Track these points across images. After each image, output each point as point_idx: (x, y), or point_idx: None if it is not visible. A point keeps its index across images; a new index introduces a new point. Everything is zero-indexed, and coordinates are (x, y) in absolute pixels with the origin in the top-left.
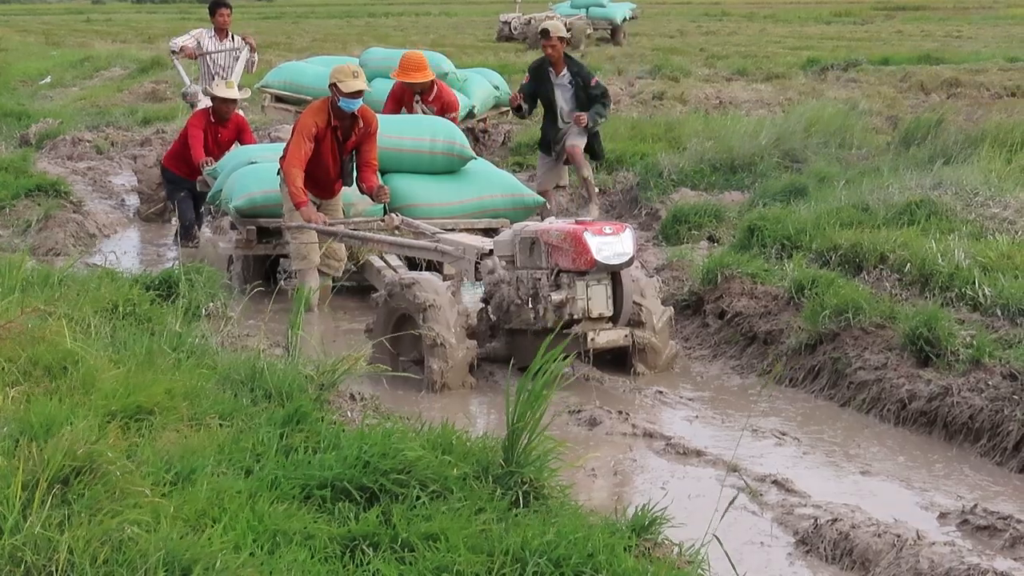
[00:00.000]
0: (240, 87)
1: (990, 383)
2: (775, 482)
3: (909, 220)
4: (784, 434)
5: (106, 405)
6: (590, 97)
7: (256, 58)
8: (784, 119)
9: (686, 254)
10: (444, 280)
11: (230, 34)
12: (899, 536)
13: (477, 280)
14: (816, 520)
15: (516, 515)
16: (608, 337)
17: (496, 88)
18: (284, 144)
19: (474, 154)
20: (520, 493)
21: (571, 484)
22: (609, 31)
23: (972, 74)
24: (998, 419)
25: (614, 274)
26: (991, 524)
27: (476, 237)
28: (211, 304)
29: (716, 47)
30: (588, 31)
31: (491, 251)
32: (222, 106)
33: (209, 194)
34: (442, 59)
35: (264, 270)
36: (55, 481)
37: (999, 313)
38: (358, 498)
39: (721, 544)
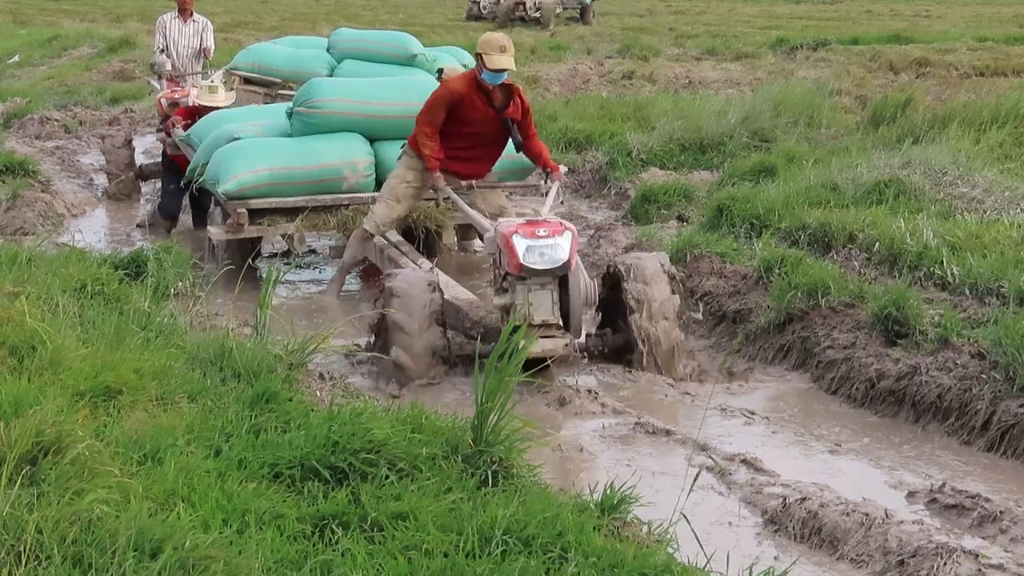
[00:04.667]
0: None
1: (958, 362)
2: (744, 461)
3: (878, 199)
4: (753, 413)
5: (74, 385)
6: None
7: (212, 46)
8: (753, 99)
9: (655, 233)
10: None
11: (193, 13)
12: (868, 515)
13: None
14: (785, 499)
15: (485, 494)
16: (545, 347)
17: (465, 67)
18: (256, 109)
19: None
20: (489, 472)
21: (540, 463)
22: (578, 11)
23: (941, 54)
24: (966, 398)
25: (561, 278)
26: (959, 503)
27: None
28: (180, 283)
29: (685, 26)
30: (558, 11)
31: None
32: (207, 112)
33: (188, 168)
34: (411, 39)
35: (249, 256)
36: (23, 461)
37: (967, 292)
38: (327, 477)
39: (689, 523)
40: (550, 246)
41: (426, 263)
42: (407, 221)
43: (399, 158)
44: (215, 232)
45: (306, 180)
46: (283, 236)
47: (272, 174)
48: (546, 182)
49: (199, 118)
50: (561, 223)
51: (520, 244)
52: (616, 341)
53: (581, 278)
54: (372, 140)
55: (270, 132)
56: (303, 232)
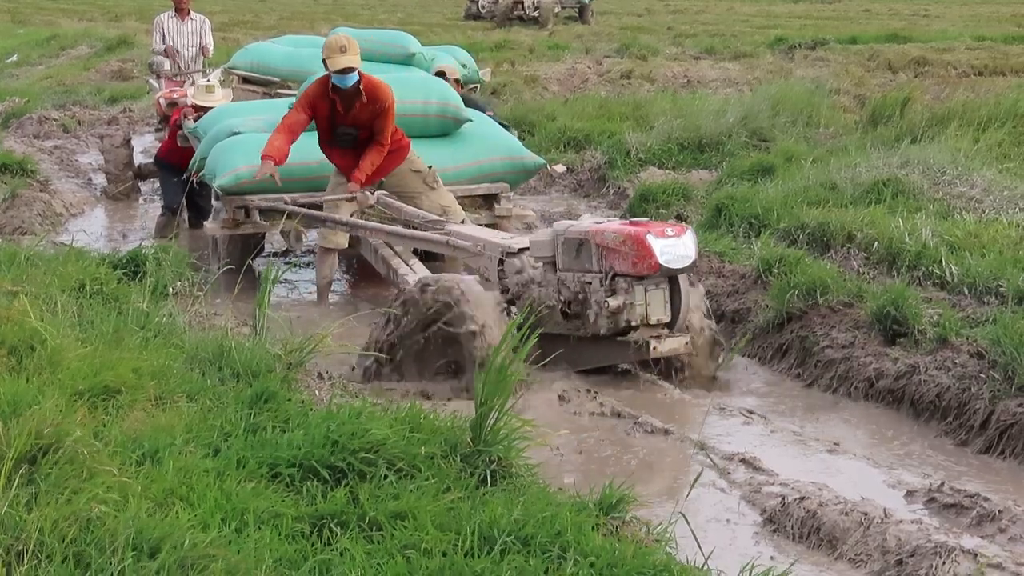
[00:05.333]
0: (221, 83)
1: (957, 361)
2: (742, 460)
3: (876, 199)
4: (751, 412)
5: (73, 384)
6: None
7: (211, 44)
8: (752, 98)
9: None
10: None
11: (190, 12)
12: (866, 514)
13: (499, 279)
14: (783, 498)
15: (484, 494)
16: (671, 345)
17: (464, 66)
18: (260, 103)
19: (470, 115)
20: (488, 472)
21: (539, 463)
22: (577, 10)
23: (939, 53)
24: (965, 397)
25: (672, 278)
26: (958, 502)
27: (495, 232)
28: (178, 283)
29: (684, 26)
30: (556, 10)
31: (520, 250)
32: (201, 113)
33: (192, 161)
34: (409, 38)
35: (251, 254)
36: (22, 461)
37: (966, 291)
38: (326, 477)
39: (688, 522)
40: (680, 244)
41: (419, 265)
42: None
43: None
44: (211, 227)
45: (303, 177)
46: (281, 233)
47: None
48: (374, 193)
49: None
50: (679, 223)
51: (656, 244)
52: None
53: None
54: None
55: (270, 127)
56: (301, 230)
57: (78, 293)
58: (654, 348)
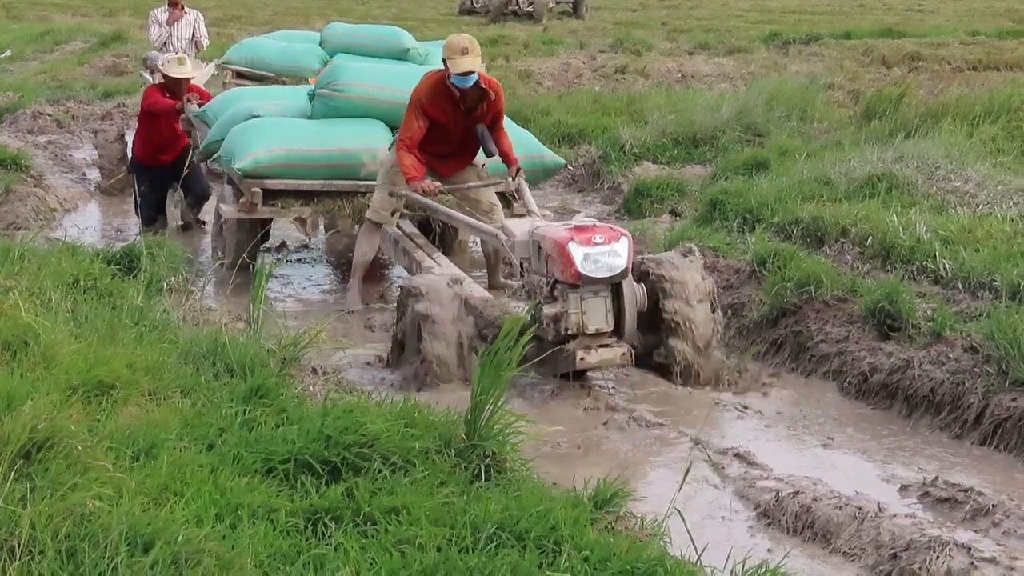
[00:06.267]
0: (203, 61)
1: (951, 356)
2: (737, 455)
3: (870, 194)
4: (746, 407)
5: (67, 380)
6: None
7: (205, 36)
8: (746, 93)
9: (648, 228)
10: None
11: (183, 7)
12: (860, 508)
13: (520, 276)
14: (778, 493)
15: (478, 488)
16: (602, 356)
17: None
18: (276, 89)
19: None
20: (482, 466)
21: (533, 457)
22: (571, 5)
23: (933, 48)
24: (959, 392)
25: (615, 286)
26: (952, 496)
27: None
28: (173, 278)
29: (678, 21)
30: (551, 5)
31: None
32: (175, 85)
33: (202, 144)
34: (404, 34)
35: (256, 238)
36: (16, 456)
37: (960, 286)
38: (320, 472)
39: (682, 517)
40: (607, 253)
41: (442, 257)
42: (425, 214)
43: (389, 148)
44: (227, 210)
45: (324, 163)
46: (294, 220)
47: (289, 154)
48: (514, 179)
49: (168, 94)
50: (615, 228)
51: (577, 252)
52: (649, 341)
53: (633, 284)
54: (393, 128)
55: (290, 113)
56: (317, 217)
57: (72, 288)
58: (580, 359)
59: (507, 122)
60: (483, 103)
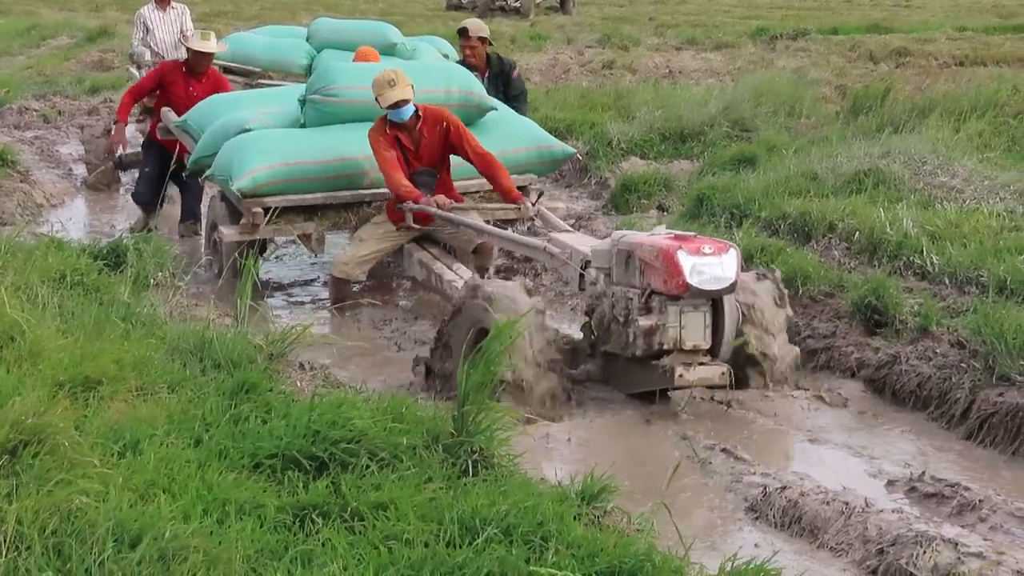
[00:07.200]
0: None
1: (938, 351)
2: (724, 450)
3: (857, 189)
4: (733, 402)
5: (54, 375)
6: (508, 98)
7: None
8: (733, 88)
9: (635, 223)
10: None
11: (170, 2)
12: (847, 503)
13: (581, 290)
14: (765, 488)
15: (465, 484)
16: (701, 375)
17: (446, 57)
18: (266, 92)
19: (494, 103)
20: (470, 462)
21: (521, 453)
22: (558, 0)
23: (920, 43)
24: (946, 387)
25: (715, 300)
26: (939, 491)
27: (586, 239)
28: (160, 274)
29: (665, 16)
30: (538, 0)
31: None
32: (197, 60)
33: (190, 160)
34: (391, 29)
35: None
36: (3, 452)
37: (947, 281)
38: (308, 467)
39: (670, 512)
40: (716, 264)
41: (463, 269)
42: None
43: None
44: (228, 233)
45: (324, 176)
46: (300, 238)
47: (288, 169)
48: (535, 204)
49: (186, 69)
50: (721, 241)
51: (686, 262)
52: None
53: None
54: None
55: (281, 120)
56: (322, 232)
57: (59, 284)
58: (679, 376)
59: (509, 113)
60: (431, 138)
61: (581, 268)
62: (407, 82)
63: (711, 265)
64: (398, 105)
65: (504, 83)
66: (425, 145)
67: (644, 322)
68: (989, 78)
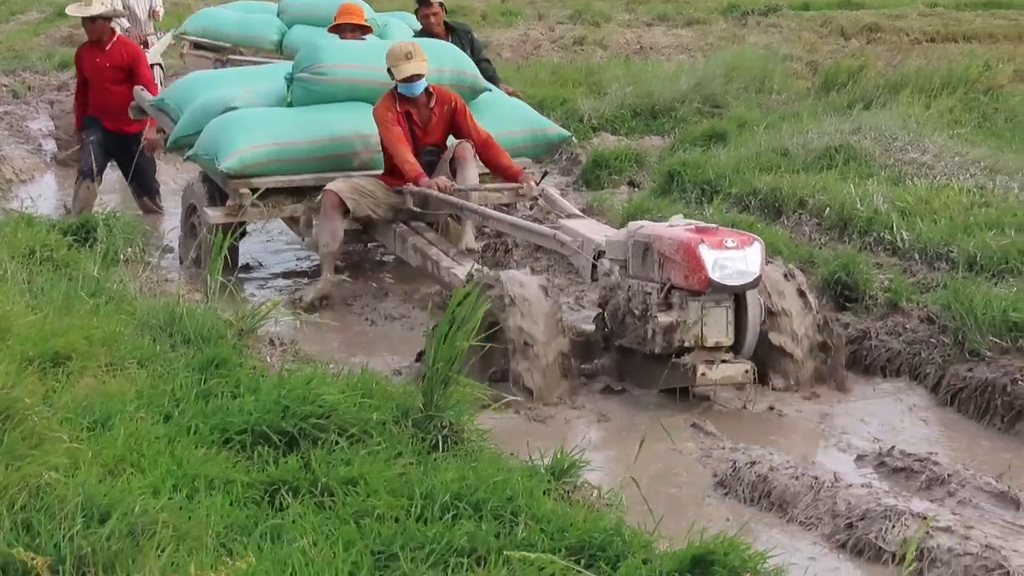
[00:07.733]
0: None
1: (908, 327)
2: (693, 425)
3: (828, 165)
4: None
5: (23, 351)
6: (478, 61)
7: (161, 6)
8: (704, 64)
9: (606, 199)
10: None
11: None
12: (816, 478)
13: (593, 280)
14: (734, 463)
15: (435, 459)
16: (724, 373)
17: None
18: (250, 69)
19: (488, 85)
20: (439, 437)
21: (490, 428)
22: None
23: (892, 19)
24: (915, 362)
25: (738, 296)
26: (908, 466)
27: (598, 227)
28: (129, 249)
29: None
30: None
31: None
32: (87, 28)
33: (171, 137)
34: (362, 4)
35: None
36: None
37: (917, 257)
38: (277, 443)
39: (639, 486)
40: (740, 258)
41: (461, 256)
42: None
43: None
44: (214, 215)
45: (313, 156)
46: (287, 220)
47: (277, 149)
48: (539, 183)
49: (88, 40)
50: (744, 233)
51: (708, 256)
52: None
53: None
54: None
55: (266, 98)
56: (311, 215)
57: (28, 260)
58: (702, 374)
59: (501, 95)
60: (440, 117)
61: (594, 258)
62: (423, 57)
63: (734, 259)
64: (412, 79)
65: (469, 46)
66: (434, 124)
67: (664, 319)
68: (960, 54)
